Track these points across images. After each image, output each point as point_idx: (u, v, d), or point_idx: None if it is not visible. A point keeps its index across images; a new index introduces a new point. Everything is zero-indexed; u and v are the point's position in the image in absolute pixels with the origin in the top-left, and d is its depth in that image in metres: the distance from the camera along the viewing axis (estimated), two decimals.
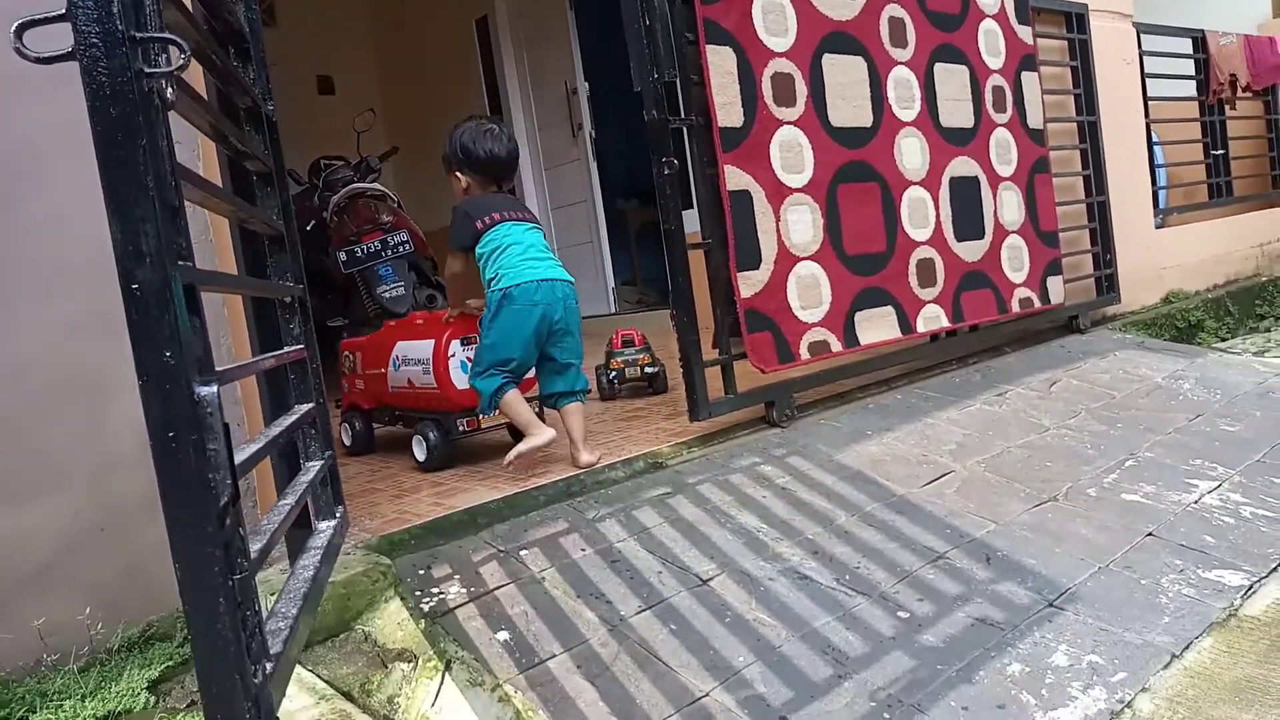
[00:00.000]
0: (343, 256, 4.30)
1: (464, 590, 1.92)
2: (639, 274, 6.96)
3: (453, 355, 2.70)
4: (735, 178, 2.87)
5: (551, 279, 2.62)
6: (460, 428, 2.74)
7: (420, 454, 2.77)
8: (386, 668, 1.73)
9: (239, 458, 1.15)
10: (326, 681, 1.67)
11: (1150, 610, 1.96)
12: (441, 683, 1.66)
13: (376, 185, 4.70)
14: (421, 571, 1.99)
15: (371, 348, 3.12)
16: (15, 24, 0.93)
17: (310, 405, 1.81)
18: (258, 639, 1.03)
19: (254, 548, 1.15)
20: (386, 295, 4.19)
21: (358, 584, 1.87)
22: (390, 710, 1.66)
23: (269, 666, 1.07)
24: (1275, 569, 2.15)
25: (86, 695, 1.57)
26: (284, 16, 7.37)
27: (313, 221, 4.91)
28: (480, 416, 2.74)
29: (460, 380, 2.67)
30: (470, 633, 1.79)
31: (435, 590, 1.92)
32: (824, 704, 1.64)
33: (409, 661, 1.73)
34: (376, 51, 8.31)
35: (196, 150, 1.92)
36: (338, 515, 1.87)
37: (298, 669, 1.69)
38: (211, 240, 2.01)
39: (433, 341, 2.73)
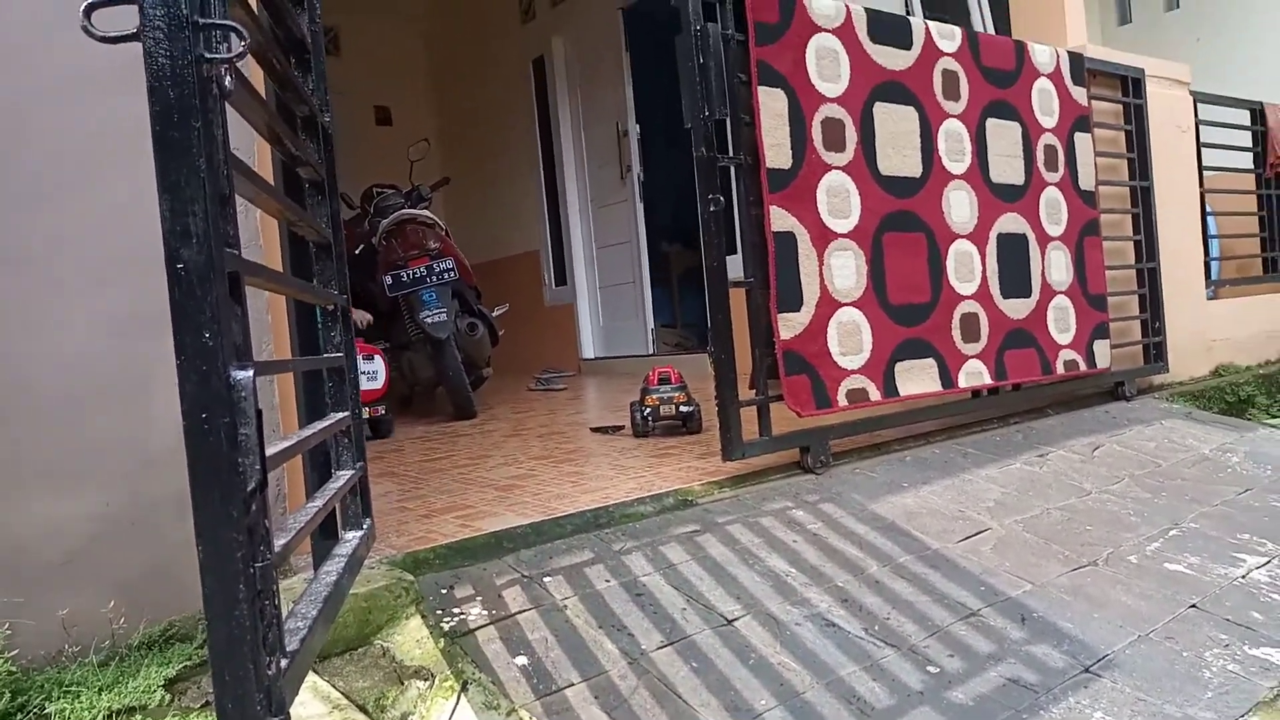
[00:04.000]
0: (389, 280, 4.34)
1: (485, 612, 1.89)
2: (679, 317, 6.98)
3: None
4: (780, 219, 2.86)
5: None
6: None
7: None
8: (403, 684, 1.70)
9: (271, 451, 1.15)
10: (342, 693, 1.65)
11: (1192, 684, 1.88)
12: (457, 704, 1.63)
13: (426, 212, 4.76)
14: (444, 591, 1.97)
15: None
16: (84, 4, 0.95)
17: (345, 414, 1.81)
18: (274, 631, 1.02)
19: (279, 543, 1.14)
20: (429, 320, 4.21)
21: (380, 598, 1.85)
22: None
23: (284, 662, 1.05)
24: None
25: (103, 688, 1.56)
26: (347, 48, 7.58)
27: (362, 246, 4.99)
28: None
29: None
30: (489, 655, 1.76)
31: (457, 610, 1.90)
32: None
33: (425, 680, 1.70)
34: (434, 85, 8.51)
35: (253, 155, 1.95)
36: (365, 527, 1.86)
37: (314, 678, 1.67)
38: (261, 246, 2.04)
39: None
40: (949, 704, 1.74)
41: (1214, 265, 5.22)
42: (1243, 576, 2.38)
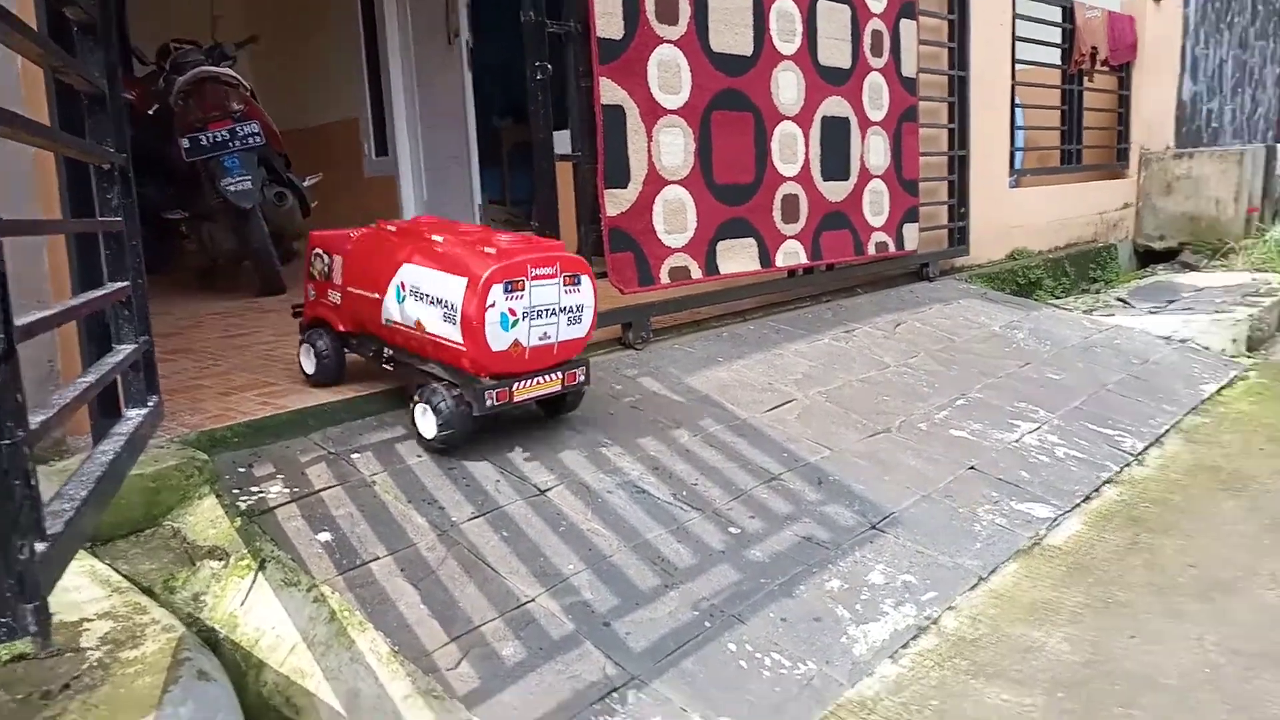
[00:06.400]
0: (185, 144, 3.99)
1: (286, 490, 1.83)
2: (509, 194, 6.80)
3: (492, 305, 1.98)
4: (610, 91, 2.79)
5: None
6: (489, 401, 2.02)
7: (426, 426, 2.04)
8: (194, 565, 1.64)
9: (23, 320, 1.05)
10: (125, 575, 1.57)
11: (964, 536, 2.07)
12: (254, 582, 1.59)
13: (229, 71, 4.37)
14: (242, 470, 1.89)
15: (361, 256, 2.34)
16: None
17: (125, 284, 1.66)
18: (28, 513, 0.94)
19: (37, 419, 1.05)
20: (232, 188, 3.92)
21: (169, 478, 1.76)
22: (195, 608, 1.58)
23: (41, 546, 0.98)
24: (1078, 504, 2.30)
25: None
26: None
27: (156, 106, 4.55)
28: (513, 387, 2.08)
29: (498, 339, 2.01)
30: (289, 533, 1.71)
31: (255, 489, 1.83)
32: (648, 612, 1.66)
33: (220, 559, 1.64)
34: None
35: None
36: (151, 405, 1.74)
37: (93, 562, 1.58)
38: (24, 98, 1.82)
39: (465, 281, 2.00)
40: (747, 562, 1.84)
41: (1018, 155, 5.51)
42: (1016, 441, 2.60)
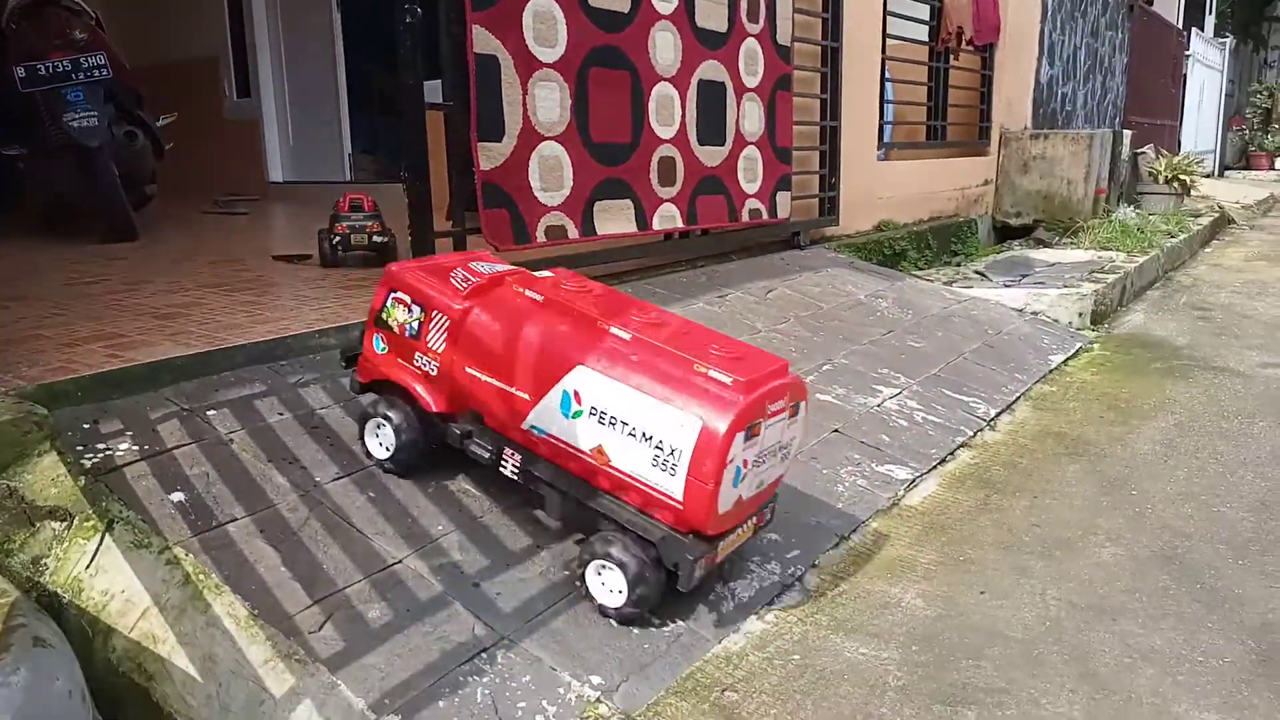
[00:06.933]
0: (21, 73, 3.68)
1: (136, 448, 1.73)
2: (382, 142, 6.58)
3: (731, 460, 1.51)
4: (483, 40, 2.71)
5: None
6: (698, 573, 1.56)
7: (608, 588, 1.58)
8: (33, 526, 1.53)
9: None
10: None
11: (828, 497, 2.14)
12: (101, 543, 1.50)
13: None
14: (87, 426, 1.77)
15: (487, 329, 1.73)
16: None
17: None
18: None
19: None
20: (75, 124, 3.65)
21: (3, 433, 1.64)
22: (35, 571, 1.48)
23: None
24: (935, 467, 2.41)
25: None
26: None
27: None
28: (718, 546, 1.59)
29: (727, 498, 1.54)
30: (139, 492, 1.62)
31: (102, 446, 1.72)
32: (518, 572, 1.65)
33: (62, 520, 1.54)
34: None
35: None
36: None
37: None
38: None
39: (699, 425, 1.49)
40: None
41: (887, 129, 5.67)
42: (878, 405, 2.70)
